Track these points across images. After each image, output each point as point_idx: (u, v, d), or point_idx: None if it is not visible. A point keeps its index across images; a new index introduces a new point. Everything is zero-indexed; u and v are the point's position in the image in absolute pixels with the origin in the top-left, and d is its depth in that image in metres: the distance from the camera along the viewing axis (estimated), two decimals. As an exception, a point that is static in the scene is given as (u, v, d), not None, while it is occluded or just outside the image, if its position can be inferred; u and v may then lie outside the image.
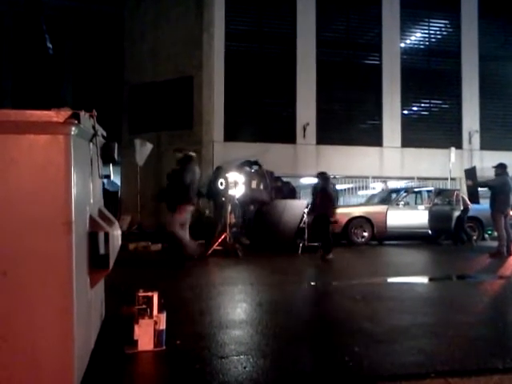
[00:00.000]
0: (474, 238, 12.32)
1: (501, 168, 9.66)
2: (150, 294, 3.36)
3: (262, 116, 16.00)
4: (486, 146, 17.33)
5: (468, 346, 3.62)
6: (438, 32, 18.02)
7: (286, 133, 16.02)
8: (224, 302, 5.23)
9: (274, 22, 16.57)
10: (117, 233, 3.29)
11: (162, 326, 3.39)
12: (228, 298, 5.51)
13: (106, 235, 2.84)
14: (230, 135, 15.37)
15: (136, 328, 3.32)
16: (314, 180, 14.23)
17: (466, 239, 11.94)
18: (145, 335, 3.32)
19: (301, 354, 3.49)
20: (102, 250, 2.79)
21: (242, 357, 3.31)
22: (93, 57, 20.13)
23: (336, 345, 3.65)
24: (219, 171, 11.14)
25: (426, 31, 17.90)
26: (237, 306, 5.08)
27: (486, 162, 13.22)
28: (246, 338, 3.80)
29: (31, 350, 2.40)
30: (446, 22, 18.02)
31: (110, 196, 16.02)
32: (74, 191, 2.44)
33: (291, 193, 12.94)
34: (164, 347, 3.37)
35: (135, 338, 3.32)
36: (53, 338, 2.42)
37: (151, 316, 3.34)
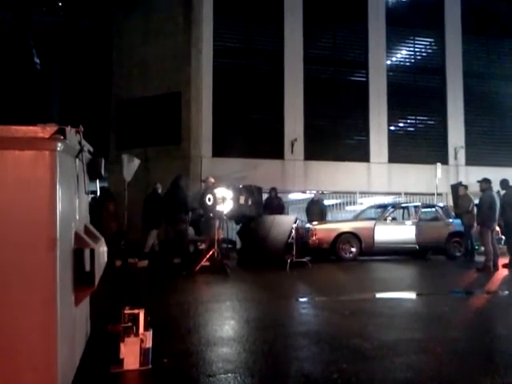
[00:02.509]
0: (462, 252, 12.32)
1: (486, 183, 9.76)
2: (136, 311, 3.32)
3: (250, 132, 16.04)
4: (471, 161, 17.54)
5: (456, 362, 3.61)
6: (422, 49, 18.32)
7: (274, 148, 16.07)
8: (212, 319, 5.18)
9: (261, 39, 16.74)
10: (103, 249, 3.26)
11: (149, 344, 3.34)
12: (216, 314, 5.46)
13: (92, 252, 2.81)
14: (219, 151, 15.38)
15: (122, 346, 3.27)
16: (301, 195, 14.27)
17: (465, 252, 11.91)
18: (130, 354, 3.27)
19: (289, 372, 3.45)
20: (87, 267, 2.76)
21: (229, 375, 3.27)
22: (81, 72, 20.13)
23: (325, 361, 3.62)
24: (180, 180, 10.78)
25: (412, 48, 18.19)
26: (224, 323, 5.02)
27: (472, 178, 13.35)
28: (233, 355, 3.76)
29: (13, 368, 2.35)
30: (431, 39, 18.35)
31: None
32: (59, 207, 2.42)
33: (280, 208, 12.94)
34: (150, 366, 3.31)
35: (121, 356, 3.26)
36: (36, 356, 2.37)
37: (137, 334, 3.29)
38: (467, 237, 11.78)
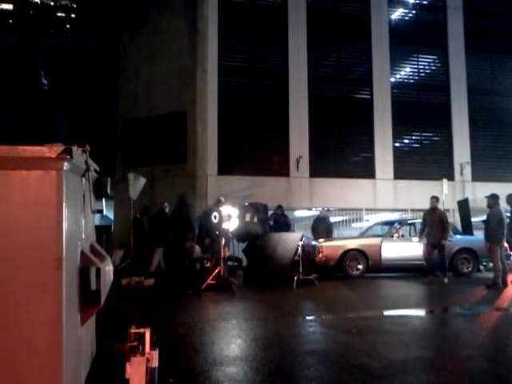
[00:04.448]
0: (469, 269, 12.19)
1: (493, 198, 9.69)
2: (142, 330, 3.29)
3: (256, 150, 16.12)
4: (477, 177, 17.47)
5: (467, 381, 3.55)
6: (426, 66, 18.42)
7: (279, 166, 16.11)
8: (218, 338, 5.14)
9: (266, 58, 16.90)
10: (109, 268, 3.25)
11: (155, 363, 3.30)
12: (222, 333, 5.42)
13: (98, 271, 2.81)
14: (224, 169, 15.43)
15: (127, 366, 3.23)
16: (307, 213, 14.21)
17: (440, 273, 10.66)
18: (136, 374, 3.23)
19: (296, 391, 3.41)
20: (93, 286, 2.76)
21: (236, 395, 3.23)
22: (87, 92, 20.39)
23: (333, 381, 3.58)
24: (186, 198, 10.77)
25: (415, 66, 18.29)
26: (231, 342, 4.98)
27: (478, 194, 13.29)
28: (240, 375, 3.72)
29: (19, 390, 2.33)
30: (435, 56, 18.45)
31: (102, 230, 15.95)
32: (65, 227, 2.43)
33: (286, 225, 12.91)
34: (156, 386, 3.28)
35: (127, 376, 3.22)
36: (41, 377, 2.35)
37: (143, 353, 3.25)
38: (441, 256, 10.59)
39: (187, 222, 9.63)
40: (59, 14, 23.27)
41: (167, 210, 11.36)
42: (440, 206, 11.42)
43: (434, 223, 10.76)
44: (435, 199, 11.21)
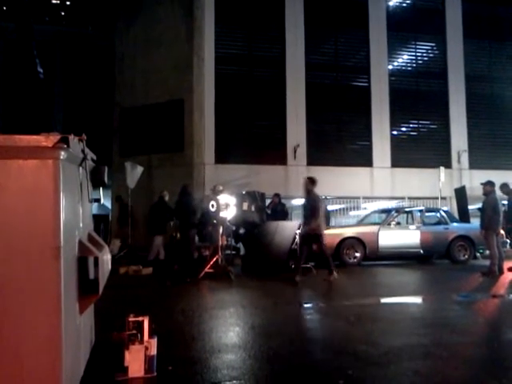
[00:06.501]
0: (466, 256, 12.27)
1: (490, 185, 9.69)
2: (140, 318, 3.32)
3: (253, 138, 16.07)
4: (474, 165, 17.49)
5: (463, 367, 3.59)
6: (424, 54, 18.34)
7: (276, 154, 16.07)
8: (216, 326, 5.17)
9: (263, 46, 16.79)
10: (107, 257, 3.26)
11: (153, 351, 3.33)
12: (220, 321, 5.44)
13: (96, 260, 2.81)
14: (221, 157, 15.40)
15: (126, 354, 3.27)
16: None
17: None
18: (135, 361, 3.26)
19: (295, 378, 3.44)
20: (91, 275, 2.76)
21: (235, 382, 3.26)
22: (84, 80, 20.27)
23: (330, 368, 3.61)
24: (188, 188, 10.92)
25: (413, 53, 18.20)
26: (229, 330, 5.01)
27: (475, 181, 13.30)
28: (238, 362, 3.75)
29: (18, 378, 2.34)
30: (432, 44, 18.37)
31: (100, 219, 15.93)
32: (62, 216, 2.42)
33: (283, 214, 12.92)
34: (155, 373, 3.31)
35: (126, 364, 3.26)
36: (41, 365, 2.37)
37: (142, 341, 3.28)
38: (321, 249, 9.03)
39: (190, 211, 9.77)
40: (54, 1, 23.04)
41: (166, 198, 11.36)
42: (311, 191, 8.83)
43: (307, 210, 8.87)
44: (308, 180, 8.88)
